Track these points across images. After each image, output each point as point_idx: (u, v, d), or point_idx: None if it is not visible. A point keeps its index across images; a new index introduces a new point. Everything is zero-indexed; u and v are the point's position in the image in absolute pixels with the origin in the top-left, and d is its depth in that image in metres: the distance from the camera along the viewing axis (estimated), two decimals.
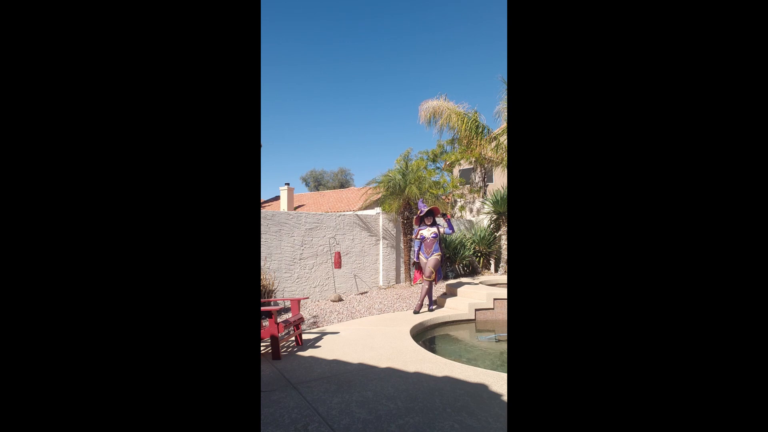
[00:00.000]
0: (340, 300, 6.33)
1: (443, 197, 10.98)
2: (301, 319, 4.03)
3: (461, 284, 6.27)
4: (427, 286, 5.38)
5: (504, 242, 8.62)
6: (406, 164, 8.01)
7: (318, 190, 31.79)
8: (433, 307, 5.57)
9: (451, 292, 6.18)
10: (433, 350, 4.10)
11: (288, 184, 19.58)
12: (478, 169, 11.94)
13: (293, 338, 4.06)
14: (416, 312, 5.25)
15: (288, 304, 5.91)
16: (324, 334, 4.36)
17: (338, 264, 6.66)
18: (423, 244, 5.60)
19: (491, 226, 9.18)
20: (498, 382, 2.77)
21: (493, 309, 5.45)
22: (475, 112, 8.26)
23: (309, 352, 3.64)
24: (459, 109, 8.21)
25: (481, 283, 6.66)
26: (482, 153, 9.76)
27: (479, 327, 5.19)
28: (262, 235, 6.01)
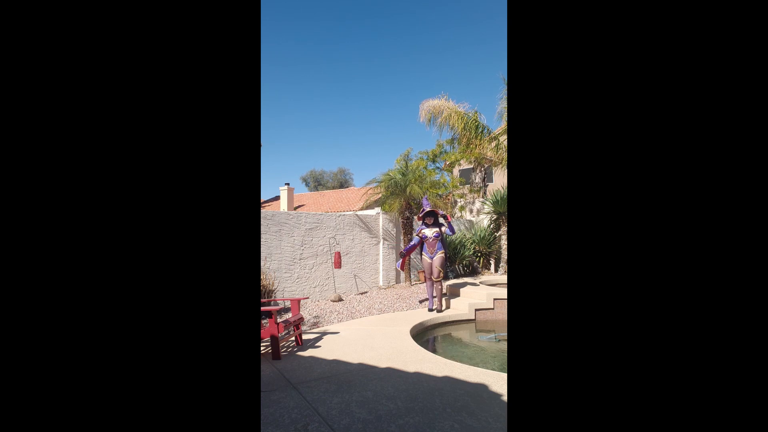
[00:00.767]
0: (340, 300, 6.33)
1: (444, 197, 10.97)
2: (301, 319, 4.03)
3: (461, 284, 6.27)
4: (440, 286, 5.48)
5: (504, 242, 8.62)
6: (407, 164, 8.01)
7: (318, 190, 31.79)
8: (434, 307, 5.56)
9: (451, 292, 6.18)
10: (433, 350, 4.10)
11: (288, 184, 19.58)
12: (478, 169, 11.94)
13: (293, 338, 4.06)
14: (439, 311, 5.41)
15: (288, 304, 5.91)
16: (324, 334, 4.36)
17: (338, 264, 6.66)
18: (425, 244, 5.61)
19: (491, 226, 9.18)
20: (498, 382, 2.77)
21: (493, 309, 5.45)
22: (476, 112, 8.26)
23: (309, 352, 3.64)
24: (459, 109, 8.20)
25: (481, 283, 6.66)
26: (482, 153, 9.76)
27: (479, 327, 5.19)
28: (262, 235, 6.01)
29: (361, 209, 9.46)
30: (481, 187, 11.80)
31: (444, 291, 6.47)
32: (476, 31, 53.01)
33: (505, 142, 8.11)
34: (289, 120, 56.81)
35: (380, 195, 8.00)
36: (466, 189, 12.12)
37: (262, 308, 3.40)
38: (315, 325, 4.90)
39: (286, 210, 18.14)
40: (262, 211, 6.43)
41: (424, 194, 6.90)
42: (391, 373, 3.02)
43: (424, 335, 4.74)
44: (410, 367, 3.13)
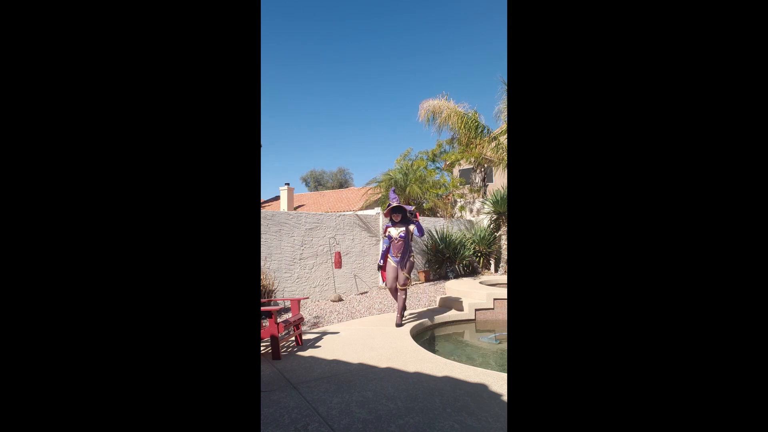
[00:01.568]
0: (340, 300, 6.33)
1: (443, 197, 10.97)
2: (301, 319, 4.02)
3: (461, 284, 6.26)
4: (404, 296, 4.68)
5: (504, 242, 8.62)
6: (411, 164, 8.01)
7: (318, 190, 31.79)
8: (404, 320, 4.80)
9: (451, 292, 6.18)
10: (433, 350, 4.10)
11: (288, 184, 19.58)
12: (478, 169, 11.94)
13: (293, 338, 4.06)
14: (399, 325, 4.53)
15: (288, 304, 5.91)
16: (324, 334, 4.36)
17: (338, 264, 6.65)
18: (391, 245, 4.68)
19: (491, 226, 9.18)
20: (498, 382, 2.77)
21: (493, 309, 5.45)
22: (475, 112, 8.26)
23: (309, 352, 3.64)
24: (459, 109, 8.21)
25: (481, 283, 6.66)
26: (482, 153, 9.76)
27: (479, 327, 5.19)
28: (262, 235, 6.01)
29: (361, 209, 9.46)
30: (481, 187, 11.81)
31: (444, 293, 6.46)
32: (476, 31, 53.02)
33: (505, 142, 8.11)
34: (289, 120, 56.84)
35: (380, 195, 8.01)
36: (466, 189, 12.12)
37: (262, 308, 3.40)
38: (315, 325, 4.90)
39: (286, 210, 18.14)
40: (262, 211, 6.43)
41: (424, 195, 6.87)
42: (391, 373, 3.02)
43: (424, 335, 4.74)
44: (410, 367, 3.13)
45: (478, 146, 8.45)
